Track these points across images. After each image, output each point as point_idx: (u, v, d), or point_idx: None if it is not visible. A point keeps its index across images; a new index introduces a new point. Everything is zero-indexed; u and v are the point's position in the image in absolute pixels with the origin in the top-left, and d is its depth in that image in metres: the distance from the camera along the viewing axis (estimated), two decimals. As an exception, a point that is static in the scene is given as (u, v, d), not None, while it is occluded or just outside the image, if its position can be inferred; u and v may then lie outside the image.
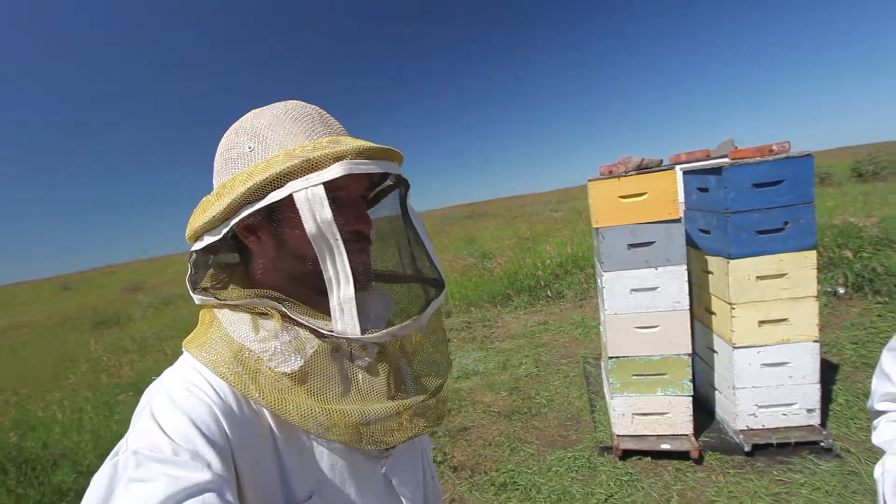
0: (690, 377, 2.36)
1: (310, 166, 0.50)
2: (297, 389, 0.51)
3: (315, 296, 0.54)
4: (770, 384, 2.32)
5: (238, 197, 0.51)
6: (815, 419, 2.32)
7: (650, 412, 2.45)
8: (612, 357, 2.45)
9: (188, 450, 0.43)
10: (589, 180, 2.41)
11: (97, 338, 9.13)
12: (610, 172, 2.36)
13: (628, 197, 2.29)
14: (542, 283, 6.15)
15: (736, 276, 2.30)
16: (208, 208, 0.54)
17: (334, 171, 0.50)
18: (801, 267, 2.23)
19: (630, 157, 2.40)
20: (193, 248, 0.56)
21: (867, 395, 2.45)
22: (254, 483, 0.49)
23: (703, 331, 2.72)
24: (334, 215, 0.50)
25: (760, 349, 2.31)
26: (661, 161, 2.48)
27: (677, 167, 2.42)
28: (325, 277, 0.52)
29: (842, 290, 4.12)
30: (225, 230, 0.53)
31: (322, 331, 0.54)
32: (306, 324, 0.54)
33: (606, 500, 2.21)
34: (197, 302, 0.58)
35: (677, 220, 2.26)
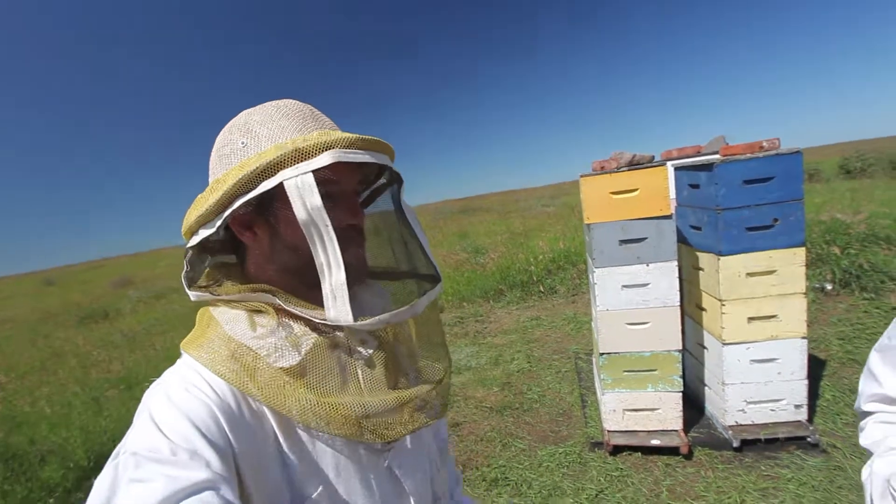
0: (681, 373, 2.37)
1: (300, 156, 0.52)
2: (295, 384, 0.51)
3: (309, 290, 0.55)
4: (759, 380, 2.35)
5: (230, 188, 0.52)
6: (803, 415, 2.35)
7: (641, 408, 2.46)
8: (603, 353, 2.46)
9: (187, 449, 0.43)
10: (581, 176, 2.41)
11: (84, 333, 9.03)
12: (602, 168, 2.36)
13: (620, 193, 2.29)
14: (535, 279, 6.16)
15: (726, 272, 2.31)
16: (203, 203, 0.55)
17: (324, 159, 0.51)
18: (791, 264, 2.24)
19: (622, 152, 2.40)
20: (189, 244, 0.57)
21: (853, 390, 2.48)
22: (257, 481, 0.50)
23: (693, 327, 2.74)
24: (326, 206, 0.51)
25: (749, 345, 2.33)
26: (653, 157, 2.48)
27: (668, 163, 2.42)
28: (316, 264, 0.52)
29: (829, 287, 4.17)
30: (219, 222, 0.54)
31: (316, 320, 0.54)
32: (300, 314, 0.55)
33: (597, 495, 2.23)
34: (193, 298, 0.59)
35: (668, 217, 2.26)
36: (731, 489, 2.12)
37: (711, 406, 2.62)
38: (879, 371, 0.75)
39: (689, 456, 2.36)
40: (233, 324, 0.55)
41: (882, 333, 0.77)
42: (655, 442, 2.40)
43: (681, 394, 2.40)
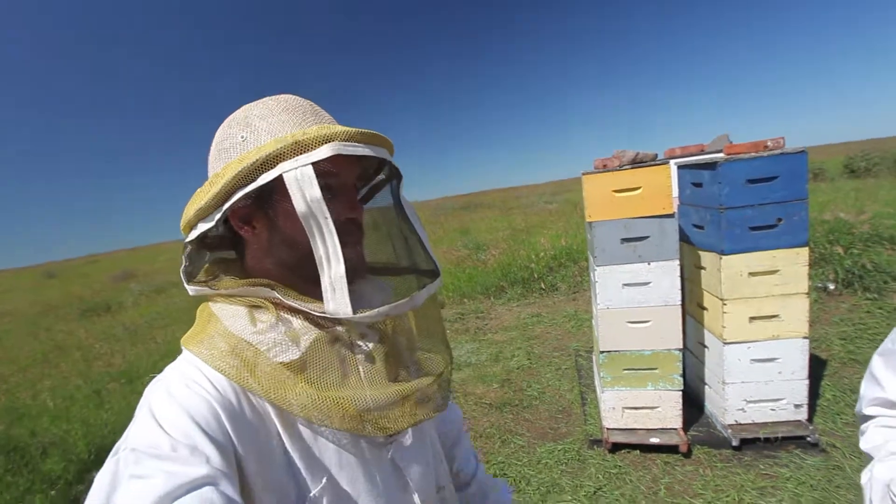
0: (681, 372, 2.37)
1: (299, 148, 0.52)
2: (296, 379, 0.52)
3: (308, 284, 0.55)
4: (759, 380, 2.34)
5: (229, 181, 0.51)
6: (803, 414, 2.35)
7: (640, 406, 2.46)
8: (603, 351, 2.46)
9: (186, 445, 0.43)
10: (583, 174, 2.39)
11: (86, 326, 9.06)
12: (604, 166, 2.34)
13: (622, 191, 2.28)
14: (536, 276, 6.15)
15: (728, 272, 2.30)
16: (201, 197, 0.55)
17: (323, 151, 0.51)
18: (794, 264, 2.23)
19: (625, 150, 2.39)
20: (188, 239, 0.57)
21: (854, 390, 2.48)
22: (261, 476, 0.50)
23: (694, 326, 2.74)
24: (325, 199, 0.51)
25: (750, 345, 2.32)
26: (656, 155, 2.46)
27: (672, 162, 2.41)
28: (315, 258, 0.52)
29: (831, 286, 4.15)
30: (218, 216, 0.53)
31: (315, 313, 0.54)
32: (300, 307, 0.55)
33: (595, 492, 2.23)
34: (191, 293, 0.59)
35: (671, 215, 2.25)
36: (730, 488, 2.12)
37: (711, 405, 2.62)
38: (882, 375, 0.75)
39: (687, 454, 2.36)
40: (233, 319, 0.55)
41: (884, 334, 0.76)
42: (654, 440, 2.40)
43: (681, 392, 2.40)
